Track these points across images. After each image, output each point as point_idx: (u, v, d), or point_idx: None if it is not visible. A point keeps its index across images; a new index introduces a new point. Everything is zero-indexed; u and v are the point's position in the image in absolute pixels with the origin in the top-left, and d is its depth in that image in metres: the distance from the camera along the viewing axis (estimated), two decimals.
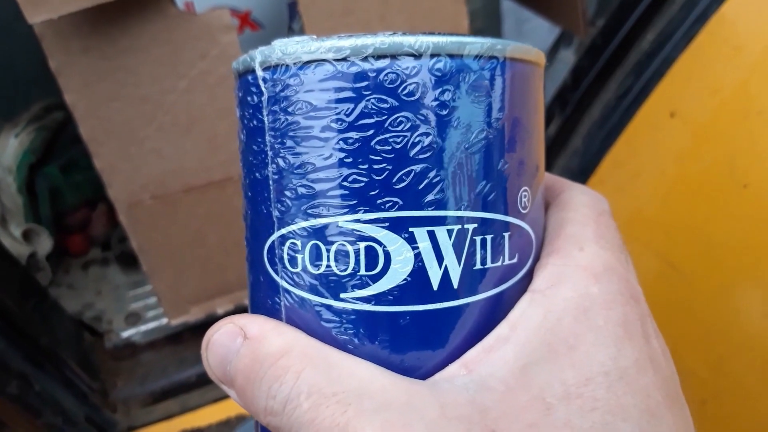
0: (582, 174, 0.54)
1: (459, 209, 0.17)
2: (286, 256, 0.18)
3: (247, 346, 0.18)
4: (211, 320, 0.56)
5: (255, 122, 0.18)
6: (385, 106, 0.16)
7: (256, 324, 0.18)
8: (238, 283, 0.54)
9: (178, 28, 0.42)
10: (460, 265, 0.17)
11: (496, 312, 0.18)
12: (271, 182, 0.18)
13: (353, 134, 0.17)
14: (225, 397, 0.55)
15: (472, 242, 0.17)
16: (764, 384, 0.42)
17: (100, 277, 0.69)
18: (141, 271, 0.52)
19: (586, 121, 0.55)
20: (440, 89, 0.17)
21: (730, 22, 0.44)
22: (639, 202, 0.49)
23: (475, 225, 0.17)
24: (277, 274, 0.18)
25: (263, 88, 0.18)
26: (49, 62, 0.41)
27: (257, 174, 0.18)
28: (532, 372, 0.17)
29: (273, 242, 0.18)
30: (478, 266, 0.18)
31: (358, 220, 0.17)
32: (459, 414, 0.16)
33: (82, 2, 0.37)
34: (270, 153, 0.18)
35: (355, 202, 0.17)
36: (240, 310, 0.56)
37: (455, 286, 0.17)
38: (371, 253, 0.17)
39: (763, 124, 0.41)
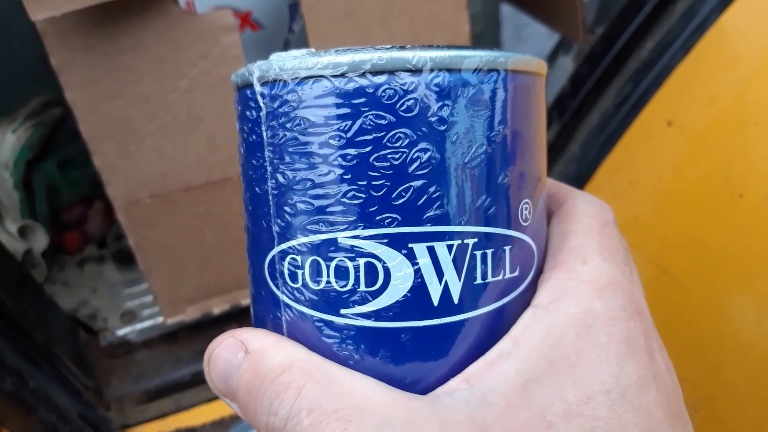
0: (578, 180, 0.54)
1: (459, 224, 0.17)
2: (286, 271, 0.18)
3: (249, 361, 0.18)
4: (206, 320, 0.56)
5: (254, 137, 0.18)
6: (383, 122, 0.16)
7: (257, 339, 0.19)
8: (235, 283, 0.54)
9: (180, 28, 0.42)
10: (460, 280, 0.17)
11: (497, 326, 0.18)
12: (270, 197, 0.18)
13: (351, 151, 0.16)
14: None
15: (473, 257, 0.17)
16: (756, 391, 0.42)
17: (95, 275, 0.69)
18: (137, 269, 0.52)
19: (584, 127, 0.55)
20: (439, 104, 0.16)
21: (729, 32, 0.44)
22: (635, 209, 0.50)
23: (476, 240, 0.17)
24: (278, 288, 0.18)
25: (261, 104, 0.18)
26: (50, 59, 0.41)
27: (257, 188, 0.18)
28: (533, 388, 0.17)
29: (274, 257, 0.18)
30: (479, 281, 0.18)
31: (357, 237, 0.17)
32: (459, 431, 0.16)
33: (85, 0, 0.37)
34: (269, 168, 0.18)
35: (354, 218, 0.17)
36: (236, 310, 0.56)
37: (456, 301, 0.17)
38: (371, 270, 0.17)
39: (760, 134, 0.41)
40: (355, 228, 0.17)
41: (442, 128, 0.16)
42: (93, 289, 0.67)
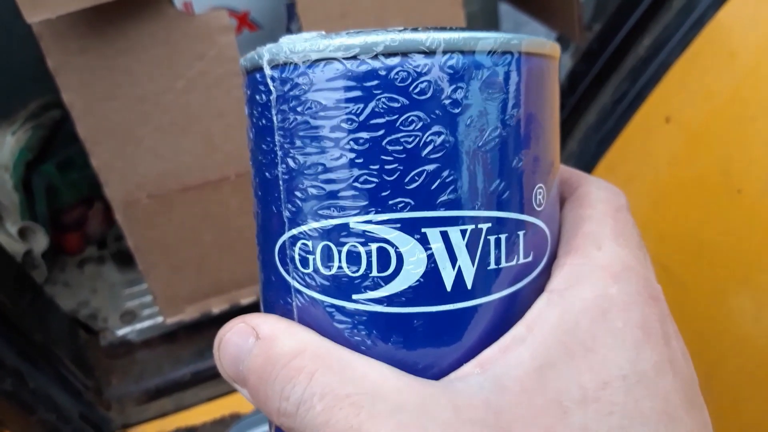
0: None
1: (473, 209, 0.17)
2: (297, 257, 0.18)
3: (260, 346, 0.18)
4: (206, 319, 0.56)
5: (264, 121, 0.18)
6: (396, 105, 0.16)
7: (268, 324, 0.18)
8: (234, 282, 0.54)
9: (176, 29, 0.42)
10: (473, 266, 0.17)
11: (511, 311, 0.18)
12: (281, 182, 0.18)
13: (364, 134, 0.16)
14: (219, 395, 0.55)
15: (486, 242, 0.17)
16: (754, 387, 0.42)
17: (95, 275, 0.69)
18: (136, 269, 0.52)
19: (581, 125, 0.55)
20: (453, 87, 0.16)
21: (726, 28, 0.44)
22: (633, 205, 0.49)
23: (489, 224, 0.17)
24: (288, 274, 0.18)
25: (271, 87, 0.17)
26: (47, 61, 0.41)
27: (267, 173, 0.18)
28: (548, 374, 0.17)
29: (284, 242, 0.18)
30: (493, 266, 0.17)
31: (369, 221, 0.17)
32: (473, 416, 0.16)
33: (81, 2, 0.37)
34: (279, 153, 0.17)
35: (367, 202, 0.17)
36: (235, 309, 0.56)
37: (469, 286, 0.17)
38: (383, 255, 0.17)
39: (757, 129, 0.41)
40: (367, 213, 0.17)
41: (456, 111, 0.16)
42: (93, 289, 0.67)
